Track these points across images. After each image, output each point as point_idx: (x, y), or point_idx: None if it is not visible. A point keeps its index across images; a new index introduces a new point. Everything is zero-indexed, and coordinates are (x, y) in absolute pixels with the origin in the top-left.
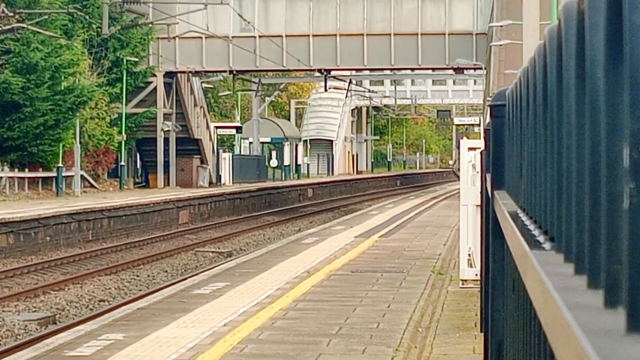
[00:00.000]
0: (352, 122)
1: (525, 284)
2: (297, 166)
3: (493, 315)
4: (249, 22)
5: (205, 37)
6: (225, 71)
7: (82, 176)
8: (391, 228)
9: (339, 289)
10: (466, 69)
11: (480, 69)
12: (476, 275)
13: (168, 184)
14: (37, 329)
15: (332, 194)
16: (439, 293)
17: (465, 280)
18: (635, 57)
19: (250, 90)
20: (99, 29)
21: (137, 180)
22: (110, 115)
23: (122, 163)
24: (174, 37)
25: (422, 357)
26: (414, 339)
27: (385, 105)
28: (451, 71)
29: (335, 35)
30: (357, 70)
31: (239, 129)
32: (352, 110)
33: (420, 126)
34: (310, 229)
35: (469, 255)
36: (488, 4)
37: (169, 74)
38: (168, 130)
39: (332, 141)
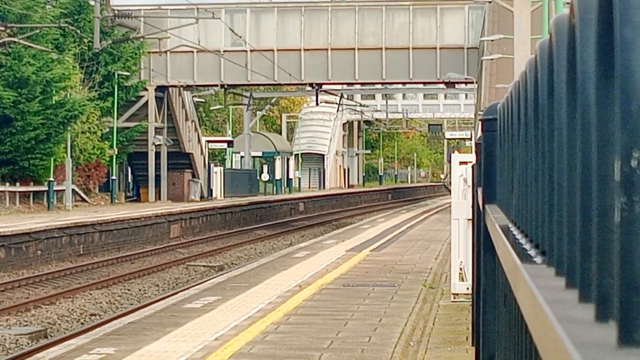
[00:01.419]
0: (344, 136)
1: (517, 298)
2: (289, 180)
3: (484, 329)
4: (240, 37)
5: (197, 51)
6: (216, 85)
7: (73, 190)
8: (382, 242)
9: (331, 302)
10: (457, 83)
11: (472, 83)
12: (467, 289)
13: (159, 198)
14: (28, 343)
15: (323, 208)
16: (431, 307)
17: (457, 294)
18: (626, 71)
19: (241, 104)
20: (90, 43)
21: (128, 194)
22: (101, 130)
23: (114, 177)
24: (166, 51)
25: None
26: (406, 353)
27: (376, 119)
28: (442, 85)
29: (327, 49)
30: (348, 84)
31: (230, 143)
32: (344, 124)
33: (412, 140)
34: (301, 243)
35: (461, 269)
36: (479, 18)
37: (161, 88)
38: (159, 145)
39: (323, 155)
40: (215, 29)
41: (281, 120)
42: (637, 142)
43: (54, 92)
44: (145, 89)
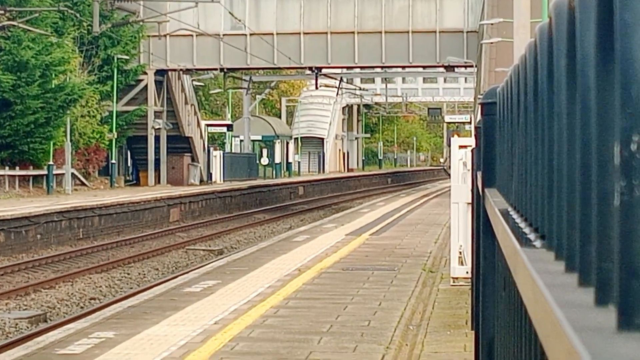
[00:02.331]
0: (343, 120)
1: (516, 282)
2: (288, 164)
3: (484, 313)
4: (239, 20)
5: (196, 35)
6: (216, 69)
7: (72, 174)
8: (382, 226)
9: (330, 286)
10: (457, 66)
11: (471, 66)
12: (467, 273)
13: (159, 182)
14: (27, 327)
15: (323, 191)
16: (430, 291)
17: (456, 278)
18: (626, 55)
19: (241, 88)
20: (89, 27)
21: (128, 178)
22: (101, 113)
23: (113, 161)
24: (165, 35)
25: (413, 355)
26: (405, 336)
27: (376, 103)
28: (442, 69)
29: (326, 33)
30: (348, 68)
31: (229, 127)
32: (343, 108)
33: (411, 124)
34: (301, 227)
35: (460, 253)
36: (479, 1)
37: (160, 72)
38: (159, 128)
39: (323, 139)
40: (215, 13)
41: (281, 104)
42: (636, 126)
43: (53, 75)
44: (145, 73)
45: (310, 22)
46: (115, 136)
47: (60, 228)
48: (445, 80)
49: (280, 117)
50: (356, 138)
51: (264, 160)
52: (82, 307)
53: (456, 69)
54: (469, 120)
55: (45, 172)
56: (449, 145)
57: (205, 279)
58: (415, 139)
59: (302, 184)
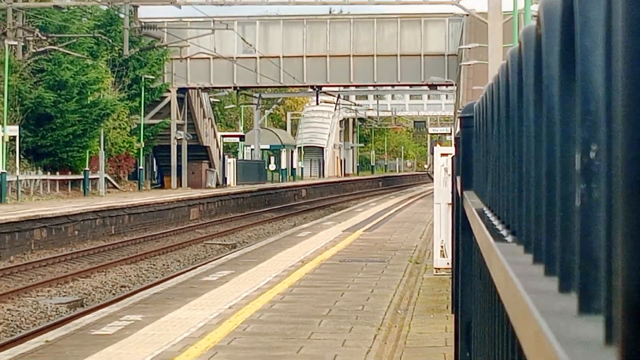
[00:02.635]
0: (340, 131)
1: (490, 272)
2: (293, 170)
3: (462, 298)
4: (250, 45)
5: (213, 58)
6: (230, 87)
7: (105, 179)
8: (374, 223)
9: (329, 276)
10: (439, 85)
11: (452, 85)
12: (448, 264)
13: (181, 185)
14: (67, 311)
15: (322, 193)
16: (416, 280)
17: (439, 269)
18: (585, 75)
19: (251, 104)
20: (120, 51)
21: (153, 182)
22: (130, 126)
23: (141, 167)
24: (186, 58)
25: (401, 336)
26: (394, 319)
27: (369, 117)
28: (426, 87)
29: (326, 56)
30: (344, 86)
31: (242, 138)
32: (340, 121)
33: (399, 135)
34: (304, 224)
35: (442, 246)
36: (458, 29)
37: (181, 90)
38: (180, 139)
39: (323, 148)
40: (229, 38)
41: (286, 118)
42: (594, 137)
43: (89, 93)
44: (168, 91)
45: (311, 47)
46: (143, 145)
47: (95, 225)
48: (429, 97)
49: (285, 129)
50: (351, 147)
51: (272, 167)
52: (113, 294)
53: (438, 87)
54: (449, 132)
55: (82, 177)
56: (432, 154)
57: (221, 269)
58: (402, 148)
59: (305, 187)
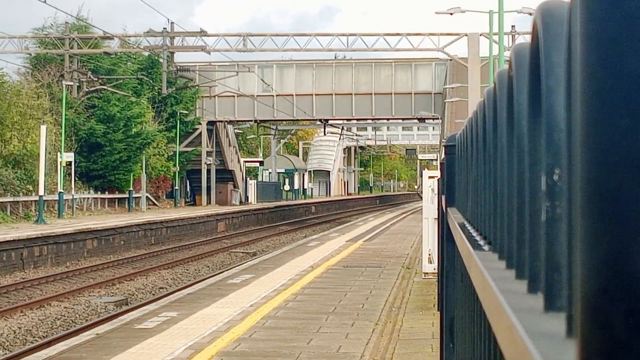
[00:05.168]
0: (344, 157)
1: (470, 275)
2: (304, 190)
3: (447, 298)
4: (268, 85)
5: (237, 96)
6: (251, 120)
7: (147, 197)
8: (372, 235)
9: (335, 279)
10: (427, 118)
11: (438, 118)
12: (434, 269)
13: (210, 203)
14: (114, 309)
15: (329, 210)
16: (407, 282)
17: (427, 273)
18: (549, 110)
19: (269, 134)
20: (159, 90)
21: (187, 200)
22: (167, 153)
23: (176, 187)
24: (214, 96)
25: (395, 329)
26: (389, 315)
27: (368, 145)
28: (416, 120)
29: (332, 94)
30: (347, 119)
31: (261, 163)
32: (344, 149)
33: (394, 161)
34: (313, 236)
35: (429, 254)
36: (443, 71)
37: (210, 123)
38: (210, 164)
39: (329, 171)
40: (250, 79)
41: (298, 146)
42: (557, 162)
43: (133, 125)
44: (199, 123)
45: (320, 86)
46: (178, 169)
47: (137, 236)
48: (418, 129)
49: (298, 156)
50: (353, 170)
51: (286, 187)
52: (153, 294)
53: (426, 121)
54: (435, 158)
55: (127, 195)
56: (421, 176)
57: (243, 273)
58: (396, 171)
59: (314, 204)
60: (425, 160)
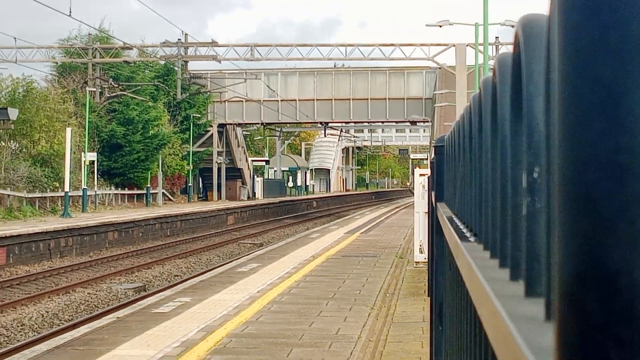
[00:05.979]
0: (342, 157)
1: (457, 264)
2: (306, 186)
3: (436, 285)
4: (274, 90)
5: (245, 101)
6: (258, 123)
7: (163, 193)
8: (369, 227)
9: (334, 267)
10: (418, 122)
11: (428, 122)
12: (425, 258)
13: (220, 198)
14: (133, 294)
15: (329, 204)
16: (400, 270)
17: (418, 262)
18: (530, 114)
19: (274, 136)
20: (174, 95)
21: (200, 195)
22: (181, 152)
23: (190, 184)
24: (224, 101)
25: (389, 313)
26: (384, 300)
27: (364, 146)
28: (408, 123)
29: (331, 99)
30: (345, 122)
31: (267, 162)
32: (343, 149)
33: (388, 160)
34: (314, 228)
35: (420, 245)
36: (433, 78)
37: (221, 125)
38: (220, 162)
39: (329, 169)
40: (257, 86)
41: (301, 146)
42: (537, 161)
43: (150, 128)
44: (211, 126)
45: (320, 92)
46: (191, 168)
47: (154, 229)
48: (410, 131)
49: (301, 155)
50: (351, 169)
51: (290, 184)
52: (169, 281)
53: (418, 123)
54: (426, 157)
55: (144, 192)
56: (413, 174)
57: (251, 262)
58: (390, 169)
59: (315, 200)
60: (416, 159)
